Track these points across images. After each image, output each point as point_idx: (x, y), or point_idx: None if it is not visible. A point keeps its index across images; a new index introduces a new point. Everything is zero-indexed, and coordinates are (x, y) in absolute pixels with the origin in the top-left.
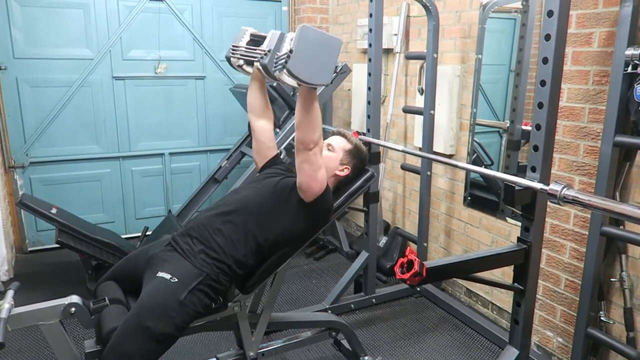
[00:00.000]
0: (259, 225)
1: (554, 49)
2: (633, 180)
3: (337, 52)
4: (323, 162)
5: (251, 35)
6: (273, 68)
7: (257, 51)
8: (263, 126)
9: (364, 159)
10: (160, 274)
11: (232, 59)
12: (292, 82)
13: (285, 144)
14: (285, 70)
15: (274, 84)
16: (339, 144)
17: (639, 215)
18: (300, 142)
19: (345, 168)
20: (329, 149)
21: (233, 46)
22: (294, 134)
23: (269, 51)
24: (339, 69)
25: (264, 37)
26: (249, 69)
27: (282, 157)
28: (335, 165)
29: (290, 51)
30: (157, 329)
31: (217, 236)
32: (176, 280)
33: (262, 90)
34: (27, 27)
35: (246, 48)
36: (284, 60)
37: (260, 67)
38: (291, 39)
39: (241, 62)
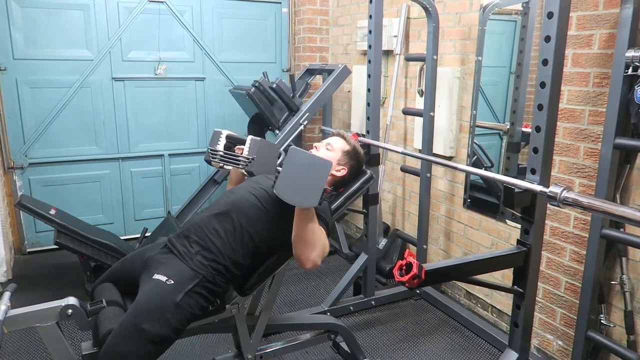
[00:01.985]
0: (255, 226)
1: (554, 51)
2: (633, 183)
3: (326, 175)
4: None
5: (227, 138)
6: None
7: (240, 159)
8: None
9: (361, 161)
10: (156, 276)
11: (212, 162)
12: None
13: (285, 145)
14: (274, 191)
15: (274, 85)
16: (338, 144)
17: (639, 217)
18: (297, 258)
19: (342, 169)
20: (327, 149)
21: (211, 150)
22: (293, 135)
23: (252, 159)
24: (330, 190)
25: (241, 140)
26: (229, 167)
27: (281, 159)
28: (332, 165)
29: (278, 173)
30: (153, 331)
31: (214, 237)
32: (172, 282)
33: (241, 179)
34: (27, 28)
35: (225, 153)
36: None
37: (246, 173)
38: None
39: (222, 164)
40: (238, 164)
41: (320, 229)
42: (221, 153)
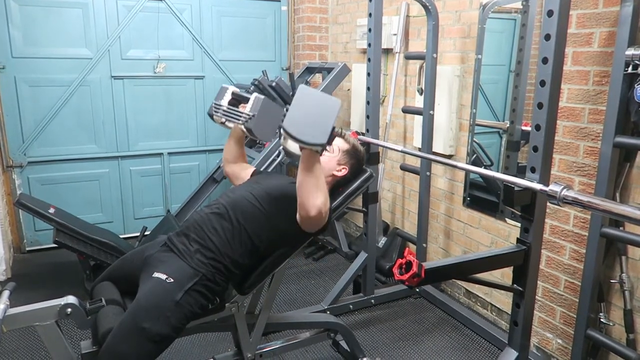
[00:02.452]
0: (254, 226)
1: (554, 49)
2: (633, 181)
3: (336, 111)
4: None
5: (233, 94)
6: (279, 136)
7: (241, 114)
8: (239, 167)
9: (362, 159)
10: (156, 275)
11: (214, 116)
12: (295, 149)
13: None
14: (283, 132)
15: (273, 84)
16: (337, 144)
17: (639, 216)
18: (302, 207)
19: (343, 168)
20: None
21: (215, 104)
22: None
23: (253, 116)
24: (337, 130)
25: (245, 98)
26: (230, 125)
27: (280, 157)
28: (333, 165)
29: (287, 109)
30: (153, 329)
31: (213, 236)
32: (172, 280)
33: (240, 144)
34: (26, 26)
35: (228, 108)
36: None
37: (245, 130)
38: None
39: (223, 119)
40: (239, 120)
41: (324, 180)
42: (224, 108)
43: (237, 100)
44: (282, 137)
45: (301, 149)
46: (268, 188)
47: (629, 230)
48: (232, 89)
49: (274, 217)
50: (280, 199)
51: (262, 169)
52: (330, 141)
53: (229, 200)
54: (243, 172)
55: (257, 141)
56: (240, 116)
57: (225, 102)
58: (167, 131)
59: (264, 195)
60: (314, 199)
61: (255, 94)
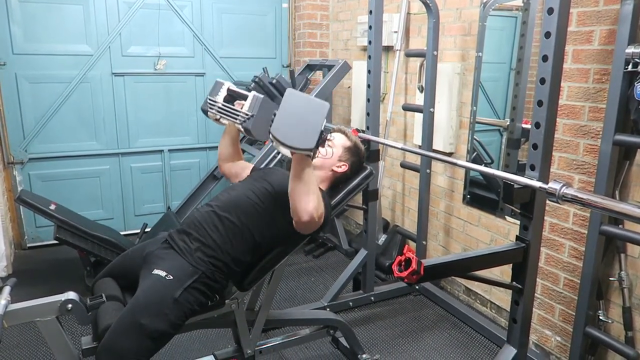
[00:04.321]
0: (255, 223)
1: (554, 47)
2: (633, 179)
3: (323, 115)
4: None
5: (228, 90)
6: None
7: (239, 113)
8: (234, 166)
9: (362, 157)
10: (155, 272)
11: (209, 112)
12: (288, 153)
13: None
14: (270, 136)
15: (274, 81)
16: (339, 141)
17: (638, 214)
18: (294, 212)
19: (343, 165)
20: (328, 145)
21: (210, 100)
22: None
23: (252, 116)
24: (326, 134)
25: (242, 95)
26: (225, 122)
27: (281, 155)
28: (333, 161)
29: (274, 114)
30: (151, 326)
31: (214, 233)
32: (171, 277)
33: (235, 142)
34: (26, 22)
35: (223, 104)
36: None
37: (243, 130)
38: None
39: (218, 116)
40: (236, 119)
41: (316, 185)
42: (220, 105)
43: (233, 97)
44: (274, 142)
45: (292, 153)
46: (268, 185)
47: (628, 228)
48: (227, 84)
49: (274, 214)
50: (281, 195)
51: (262, 166)
52: (318, 145)
53: (229, 198)
54: (241, 171)
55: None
56: (238, 115)
57: (220, 98)
58: (168, 128)
59: (264, 192)
60: (305, 203)
61: (253, 93)
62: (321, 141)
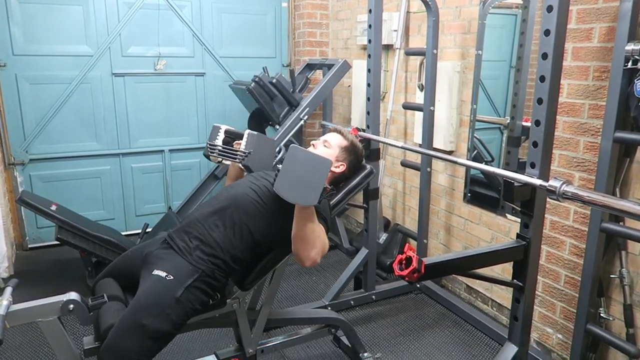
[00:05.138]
0: (255, 221)
1: (554, 45)
2: (633, 177)
3: (326, 173)
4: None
5: (225, 133)
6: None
7: (237, 153)
8: None
9: (360, 156)
10: (156, 272)
11: (211, 156)
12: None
13: (285, 140)
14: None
15: (274, 80)
16: (336, 140)
17: (639, 211)
18: (296, 256)
19: (341, 165)
20: (325, 145)
21: (210, 145)
22: (293, 131)
23: (249, 153)
24: (330, 188)
25: (239, 134)
26: (228, 162)
27: (282, 154)
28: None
29: (278, 171)
30: (153, 326)
31: (214, 232)
32: (172, 277)
33: (240, 174)
34: (26, 23)
35: (223, 147)
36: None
37: (243, 167)
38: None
39: (220, 158)
40: (235, 158)
41: (320, 227)
42: (219, 148)
43: (231, 137)
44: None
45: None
46: (269, 184)
47: (629, 225)
48: (224, 127)
49: (275, 213)
50: (284, 202)
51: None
52: (321, 200)
53: (229, 196)
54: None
55: None
56: (237, 154)
57: (219, 141)
58: (168, 128)
59: (264, 191)
60: (308, 251)
61: (247, 131)
62: (323, 197)
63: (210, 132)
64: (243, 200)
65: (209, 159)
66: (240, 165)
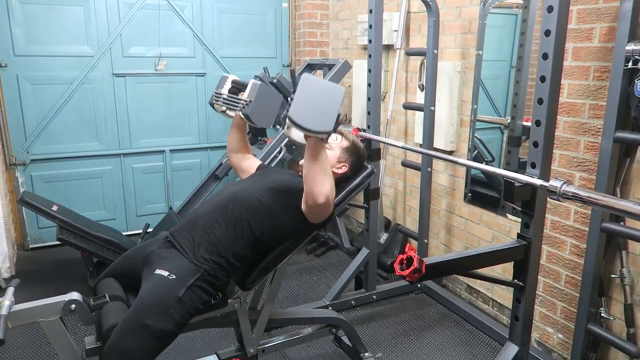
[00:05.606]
0: (257, 219)
1: (554, 45)
2: (633, 177)
3: (340, 99)
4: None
5: (232, 82)
6: (281, 126)
7: (239, 101)
8: (242, 157)
9: (362, 156)
10: (158, 271)
11: (215, 105)
12: (300, 138)
13: (285, 141)
14: (288, 121)
15: (275, 81)
16: (337, 141)
17: (639, 211)
18: (309, 195)
19: (343, 166)
20: (326, 147)
21: (216, 93)
22: None
23: (250, 101)
24: (341, 117)
25: (245, 85)
26: (231, 113)
27: (282, 154)
28: (332, 162)
29: (291, 99)
30: (156, 326)
31: (215, 229)
32: (174, 277)
33: (242, 133)
34: (27, 24)
35: (228, 96)
36: (286, 110)
37: (242, 116)
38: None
39: (224, 108)
40: (237, 107)
41: (329, 160)
42: (224, 96)
43: (237, 88)
44: (286, 126)
45: (306, 137)
46: (271, 182)
47: (630, 225)
48: (232, 77)
49: (277, 211)
50: (284, 192)
51: (266, 163)
52: (335, 128)
53: (231, 194)
54: (249, 167)
55: (259, 138)
56: (239, 103)
57: (225, 90)
58: (169, 128)
59: (267, 189)
60: (321, 186)
61: (252, 80)
62: (338, 124)
63: (218, 82)
64: (244, 198)
65: (214, 108)
66: (240, 114)
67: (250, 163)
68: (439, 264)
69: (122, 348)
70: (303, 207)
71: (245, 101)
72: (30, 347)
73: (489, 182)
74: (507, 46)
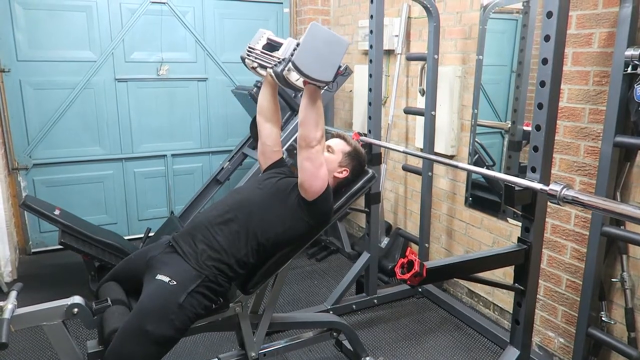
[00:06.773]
0: (259, 225)
1: (554, 50)
2: (634, 181)
3: (343, 51)
4: (324, 161)
5: (268, 39)
6: (282, 69)
7: (272, 58)
8: (270, 129)
9: (363, 161)
10: (159, 277)
11: (246, 60)
12: (299, 83)
13: (287, 145)
14: (290, 64)
15: None
16: (338, 146)
17: (639, 215)
18: (303, 139)
19: (344, 170)
20: (328, 151)
21: (249, 48)
22: (296, 135)
23: (283, 60)
24: (342, 69)
25: (280, 43)
26: (262, 72)
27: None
28: (334, 167)
29: (298, 44)
30: (157, 332)
31: (219, 236)
32: (175, 283)
33: (273, 94)
34: (30, 29)
35: (261, 52)
36: (290, 54)
37: (272, 75)
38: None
39: (255, 64)
40: (269, 65)
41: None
42: (258, 51)
43: (273, 46)
44: (286, 68)
45: (305, 83)
46: (274, 187)
47: (630, 229)
48: (268, 33)
49: (280, 216)
50: (282, 190)
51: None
52: (335, 79)
53: (235, 201)
54: (272, 152)
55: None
56: (271, 61)
57: (260, 46)
58: (171, 133)
59: (270, 195)
60: (315, 131)
61: (289, 38)
62: (337, 75)
63: (254, 37)
64: (248, 204)
65: (244, 63)
66: (271, 72)
67: (272, 149)
68: (440, 268)
69: (123, 353)
70: (299, 178)
71: (277, 59)
72: (33, 351)
73: (489, 187)
74: (508, 51)
